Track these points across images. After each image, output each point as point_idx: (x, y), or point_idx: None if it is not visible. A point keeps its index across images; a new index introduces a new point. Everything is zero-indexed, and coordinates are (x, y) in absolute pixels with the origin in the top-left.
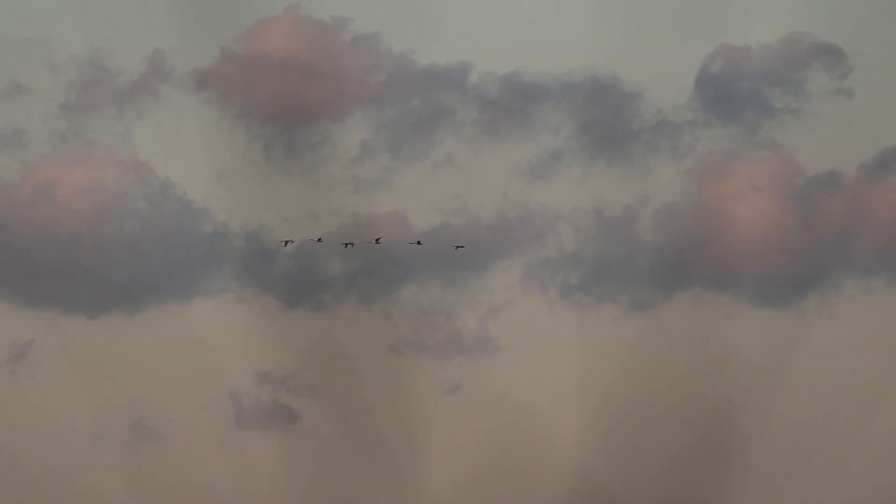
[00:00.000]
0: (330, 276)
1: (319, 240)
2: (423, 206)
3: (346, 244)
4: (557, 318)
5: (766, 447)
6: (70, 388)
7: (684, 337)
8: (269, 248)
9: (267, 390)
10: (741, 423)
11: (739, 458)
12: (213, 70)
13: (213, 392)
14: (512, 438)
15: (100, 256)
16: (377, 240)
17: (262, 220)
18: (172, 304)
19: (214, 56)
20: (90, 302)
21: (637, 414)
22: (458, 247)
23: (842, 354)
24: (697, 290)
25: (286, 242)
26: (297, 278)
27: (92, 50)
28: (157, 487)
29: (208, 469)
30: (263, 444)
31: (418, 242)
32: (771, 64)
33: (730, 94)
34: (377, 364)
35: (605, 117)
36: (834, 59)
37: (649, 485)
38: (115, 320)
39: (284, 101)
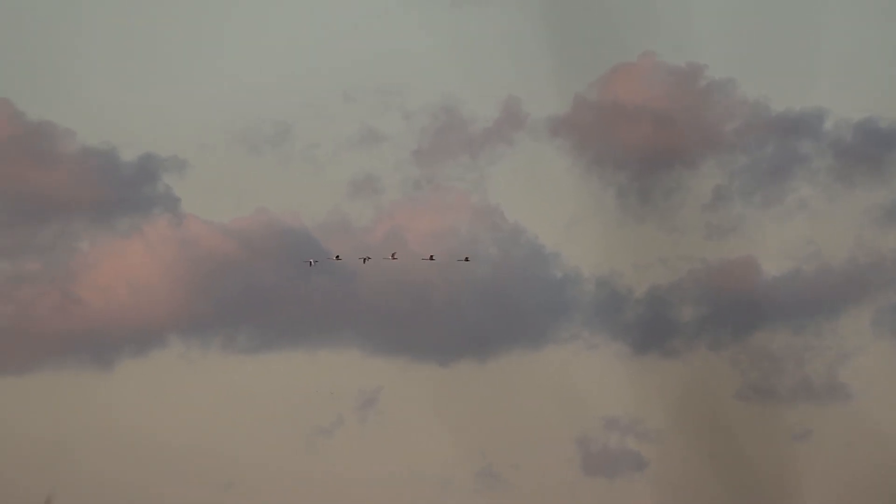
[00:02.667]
0: (681, 322)
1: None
2: (774, 252)
3: (364, 259)
4: None
5: None
6: (418, 434)
7: None
8: (620, 293)
9: (615, 436)
10: None
11: None
12: (567, 117)
13: (561, 438)
14: (869, 485)
15: (450, 302)
16: (393, 255)
17: (613, 266)
18: (523, 351)
19: (568, 103)
20: (440, 349)
21: None
22: (465, 259)
23: None
24: None
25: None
26: (648, 325)
27: (445, 97)
28: None
29: None
30: (611, 491)
31: (431, 258)
32: None
33: None
34: (725, 410)
35: None
36: None
37: None
38: (466, 367)
39: (638, 148)
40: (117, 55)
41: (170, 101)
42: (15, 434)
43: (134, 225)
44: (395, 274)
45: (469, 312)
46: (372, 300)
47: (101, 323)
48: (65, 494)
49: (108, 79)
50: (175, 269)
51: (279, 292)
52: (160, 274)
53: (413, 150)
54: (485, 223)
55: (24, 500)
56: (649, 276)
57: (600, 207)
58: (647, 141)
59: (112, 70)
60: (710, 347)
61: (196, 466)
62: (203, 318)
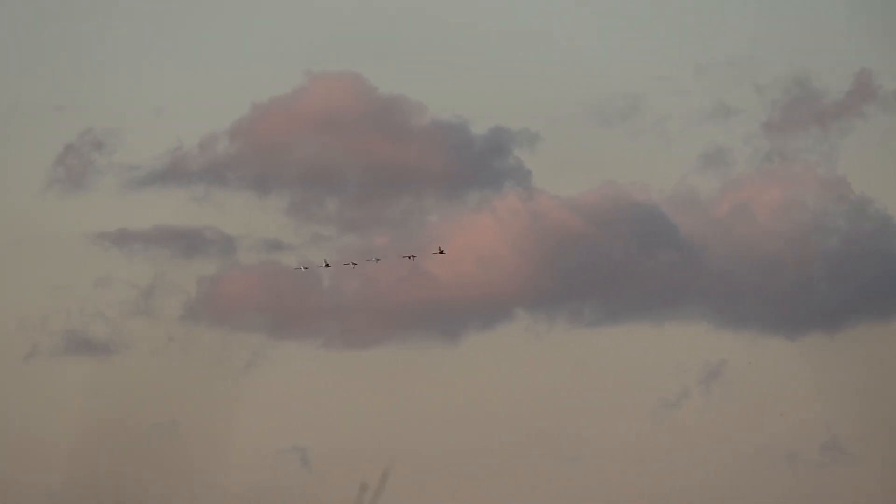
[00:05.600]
0: None
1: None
2: None
3: (410, 257)
4: None
5: None
6: (763, 407)
7: None
8: None
9: None
10: None
11: None
12: None
13: None
14: None
15: (800, 276)
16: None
17: None
18: (873, 325)
19: None
20: (789, 323)
21: None
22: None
23: None
24: None
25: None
26: None
27: (797, 69)
28: None
29: None
30: None
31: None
32: None
33: None
34: None
35: None
36: None
37: None
38: (814, 341)
39: None
40: (468, 29)
41: (521, 73)
42: (359, 407)
43: (484, 199)
44: (742, 246)
45: (818, 286)
46: (720, 274)
47: (448, 296)
48: (403, 466)
49: (458, 52)
50: (522, 243)
51: (625, 266)
52: (508, 248)
53: (763, 123)
54: (831, 195)
55: (363, 471)
56: None
57: None
58: None
59: (463, 43)
60: None
61: (540, 439)
62: (549, 292)
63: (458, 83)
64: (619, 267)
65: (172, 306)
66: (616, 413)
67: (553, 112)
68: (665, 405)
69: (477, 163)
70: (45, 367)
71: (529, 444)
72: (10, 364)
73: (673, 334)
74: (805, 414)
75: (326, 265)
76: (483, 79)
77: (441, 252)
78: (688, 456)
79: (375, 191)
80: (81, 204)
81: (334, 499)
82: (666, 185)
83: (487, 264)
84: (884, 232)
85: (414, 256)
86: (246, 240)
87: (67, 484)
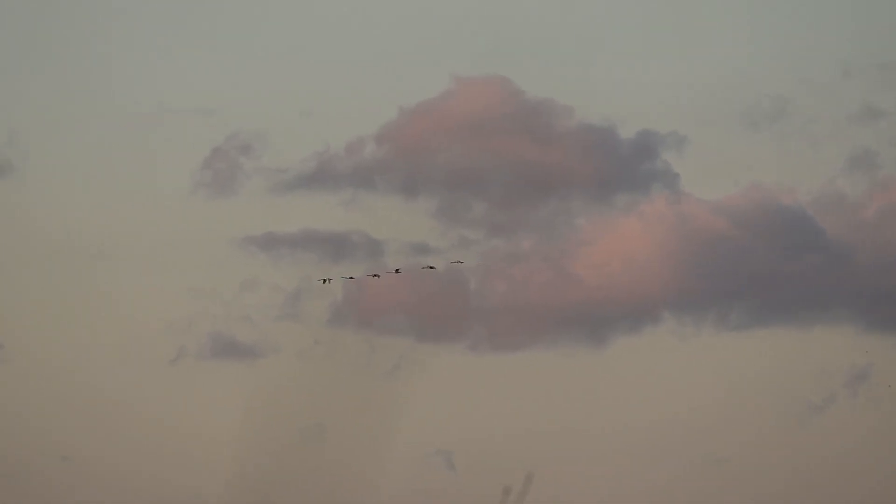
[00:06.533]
0: None
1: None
2: None
3: (429, 267)
4: None
5: None
6: None
7: None
8: None
9: None
10: None
11: None
12: None
13: None
14: None
15: None
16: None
17: None
18: None
19: None
20: None
21: None
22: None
23: None
24: None
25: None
26: None
27: None
28: None
29: None
30: None
31: (397, 270)
32: None
33: None
34: None
35: None
36: None
37: None
38: None
39: None
40: (615, 33)
41: (668, 77)
42: (504, 410)
43: (632, 202)
44: (890, 250)
45: None
46: (867, 277)
47: (595, 299)
48: (546, 470)
49: (606, 55)
50: (669, 246)
51: (771, 269)
52: (655, 251)
53: None
54: None
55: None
56: None
57: None
58: None
59: (610, 46)
60: None
61: (685, 443)
62: (695, 295)
63: (606, 86)
64: (766, 270)
65: (319, 310)
66: (762, 416)
67: (701, 115)
68: (811, 408)
69: (624, 166)
70: (191, 371)
71: (674, 446)
72: (156, 368)
73: (819, 337)
74: None
75: (350, 277)
76: (630, 82)
77: (432, 268)
78: (836, 459)
79: (522, 194)
80: (228, 208)
81: (477, 502)
82: (813, 187)
83: (634, 267)
84: None
85: (399, 270)
86: (393, 243)
87: (215, 487)
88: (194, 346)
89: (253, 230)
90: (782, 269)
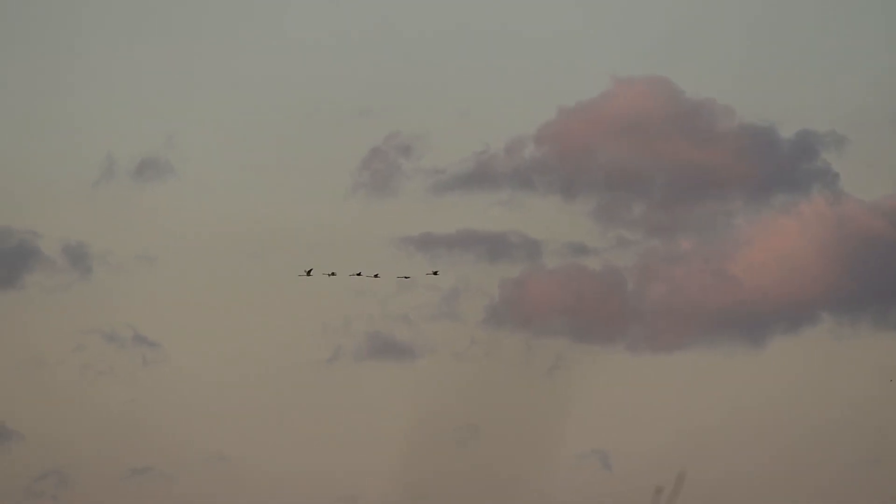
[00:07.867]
0: None
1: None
2: None
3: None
4: None
5: None
6: None
7: None
8: None
9: None
10: None
11: None
12: None
13: None
14: None
15: None
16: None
17: None
18: None
19: None
20: None
21: None
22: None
23: None
24: None
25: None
26: None
27: None
28: None
29: None
30: None
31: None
32: None
33: None
34: None
35: None
36: None
37: None
38: None
39: None
40: (775, 32)
41: (828, 77)
42: (660, 411)
43: (791, 202)
44: None
45: None
46: None
47: (753, 300)
48: (699, 470)
49: (765, 55)
50: (828, 247)
51: None
52: (813, 251)
53: None
54: None
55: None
56: None
57: None
58: None
59: (769, 46)
60: None
61: (843, 443)
62: (853, 295)
63: (766, 86)
64: None
65: (475, 310)
66: None
67: (860, 114)
68: None
69: (784, 166)
70: (348, 371)
71: (832, 446)
72: (314, 367)
73: None
74: None
75: (358, 274)
76: (790, 82)
77: (406, 277)
78: None
79: (681, 195)
80: (386, 208)
81: (629, 501)
82: None
83: (792, 267)
84: None
85: (408, 277)
86: (551, 244)
87: (370, 487)
88: (351, 345)
89: (410, 231)
90: None
